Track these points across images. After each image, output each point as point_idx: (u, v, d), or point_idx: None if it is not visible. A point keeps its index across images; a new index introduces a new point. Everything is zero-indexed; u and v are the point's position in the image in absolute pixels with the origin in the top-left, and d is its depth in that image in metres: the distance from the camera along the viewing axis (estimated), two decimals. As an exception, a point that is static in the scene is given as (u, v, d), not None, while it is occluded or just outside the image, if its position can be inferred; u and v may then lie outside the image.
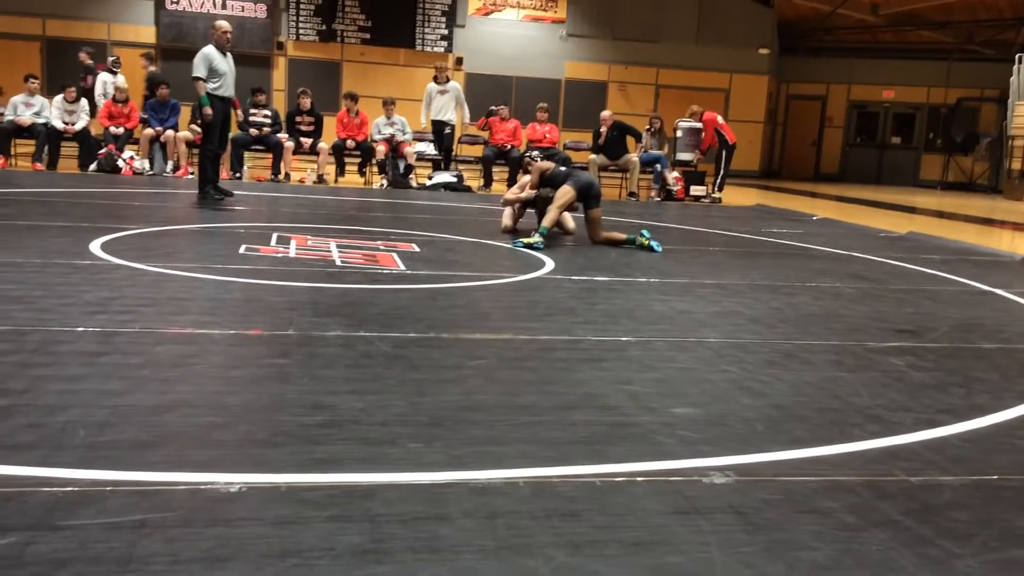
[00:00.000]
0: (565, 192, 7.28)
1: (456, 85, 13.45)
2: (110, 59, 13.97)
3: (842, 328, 4.64)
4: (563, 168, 7.77)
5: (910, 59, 21.81)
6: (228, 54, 9.11)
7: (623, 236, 7.43)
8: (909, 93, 22.12)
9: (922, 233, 9.70)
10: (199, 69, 8.86)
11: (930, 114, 22.20)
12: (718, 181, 13.89)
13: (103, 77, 13.23)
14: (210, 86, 8.90)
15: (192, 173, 12.08)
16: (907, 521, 2.23)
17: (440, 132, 13.16)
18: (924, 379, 3.67)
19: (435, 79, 13.24)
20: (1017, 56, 19.02)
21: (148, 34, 17.81)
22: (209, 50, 8.97)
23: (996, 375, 3.83)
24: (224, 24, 9.19)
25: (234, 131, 12.24)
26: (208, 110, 8.88)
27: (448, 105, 13.11)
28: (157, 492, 2.15)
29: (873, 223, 10.83)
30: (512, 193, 8.07)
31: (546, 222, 7.13)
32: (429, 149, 13.77)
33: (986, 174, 21.07)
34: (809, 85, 22.79)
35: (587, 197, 7.39)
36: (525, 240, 6.93)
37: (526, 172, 8.30)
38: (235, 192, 9.82)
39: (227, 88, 9.07)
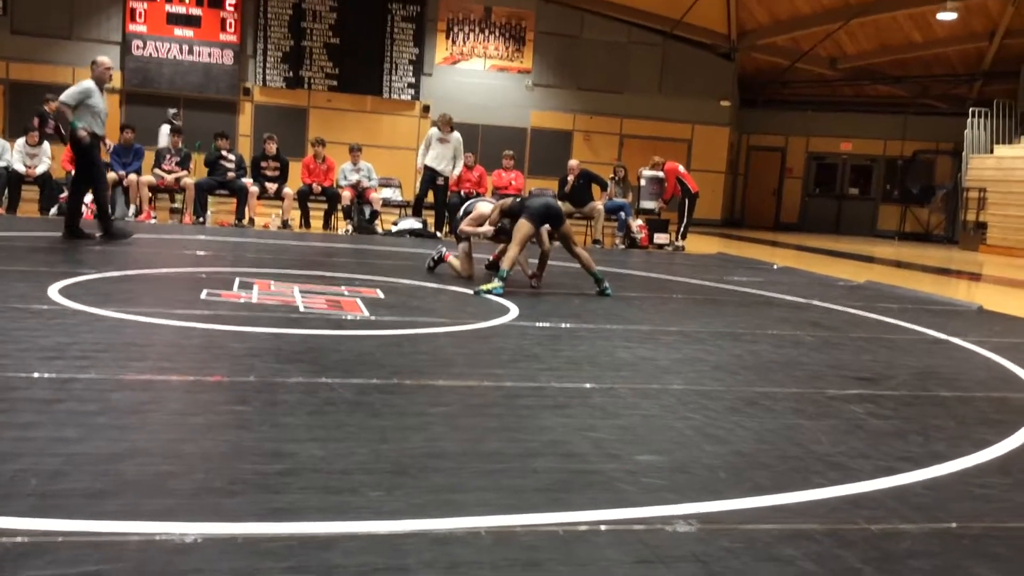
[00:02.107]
0: (520, 226, 7.03)
1: (458, 137, 13.13)
2: (170, 112, 14.60)
3: (803, 376, 4.68)
4: (517, 198, 7.63)
5: (867, 112, 22.36)
6: (104, 92, 8.90)
7: (595, 270, 7.32)
8: (866, 145, 22.64)
9: (880, 282, 9.85)
10: (71, 98, 8.55)
11: (887, 166, 22.71)
12: (681, 229, 14.05)
13: (164, 129, 13.68)
14: (82, 124, 8.55)
15: (155, 218, 12.00)
16: (868, 570, 2.24)
17: (432, 180, 12.98)
18: (884, 427, 3.71)
19: (438, 127, 13.09)
20: (970, 110, 19.60)
21: (113, 78, 17.75)
22: (90, 85, 8.70)
23: (954, 423, 3.88)
24: (107, 60, 8.98)
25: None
26: (83, 132, 8.51)
27: (446, 155, 12.90)
28: (110, 542, 2.09)
29: (832, 272, 10.99)
30: (469, 224, 7.76)
31: (505, 264, 6.95)
32: (395, 195, 13.80)
33: (942, 225, 21.54)
34: (769, 137, 23.25)
35: (547, 220, 7.22)
36: (484, 287, 6.83)
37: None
38: (200, 236, 9.75)
39: (101, 126, 8.79)
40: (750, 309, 7.24)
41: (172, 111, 14.66)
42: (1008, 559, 2.39)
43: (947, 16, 18.08)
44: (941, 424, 3.83)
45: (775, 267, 11.38)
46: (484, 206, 7.90)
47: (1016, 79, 19.71)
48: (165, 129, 13.73)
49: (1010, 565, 2.35)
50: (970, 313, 7.85)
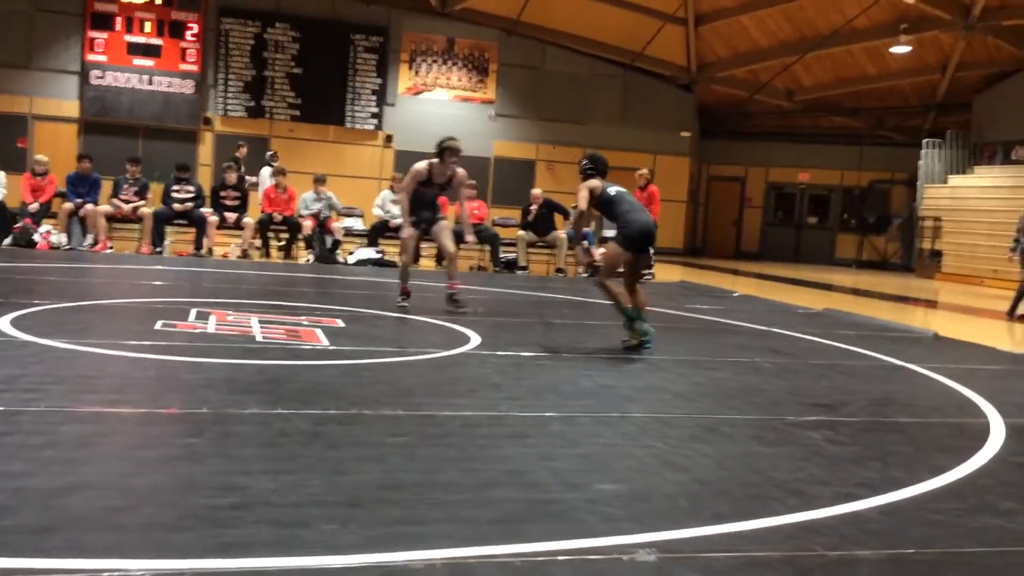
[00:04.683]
0: (612, 253, 6.20)
1: None
2: (268, 154, 14.84)
3: (762, 402, 4.70)
4: (611, 191, 6.24)
5: (824, 143, 22.73)
6: None
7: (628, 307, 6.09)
8: (824, 175, 23.00)
9: (838, 310, 9.96)
10: None
11: (844, 196, 23.07)
12: (643, 258, 14.10)
13: (265, 171, 13.89)
14: None
15: (111, 248, 11.83)
16: (826, 596, 2.23)
17: (386, 223, 13.25)
18: (841, 453, 3.72)
19: (391, 188, 13.32)
20: (925, 141, 20.00)
21: (71, 108, 17.57)
22: None
23: (910, 449, 3.91)
24: None
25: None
26: None
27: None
28: (51, 581, 2.03)
29: (792, 300, 11.09)
30: (407, 184, 7.63)
31: (624, 302, 6.01)
32: (357, 224, 13.77)
33: (899, 253, 21.88)
34: (729, 167, 23.54)
35: (642, 245, 6.12)
36: (632, 341, 6.02)
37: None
38: (156, 267, 9.61)
39: None
40: (711, 336, 7.27)
41: (270, 153, 15.02)
42: (964, 584, 2.39)
43: (901, 49, 18.47)
44: (898, 450, 3.85)
45: (736, 295, 11.47)
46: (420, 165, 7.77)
47: (969, 110, 20.16)
48: (266, 171, 13.86)
49: (966, 590, 2.36)
50: (926, 340, 7.95)
